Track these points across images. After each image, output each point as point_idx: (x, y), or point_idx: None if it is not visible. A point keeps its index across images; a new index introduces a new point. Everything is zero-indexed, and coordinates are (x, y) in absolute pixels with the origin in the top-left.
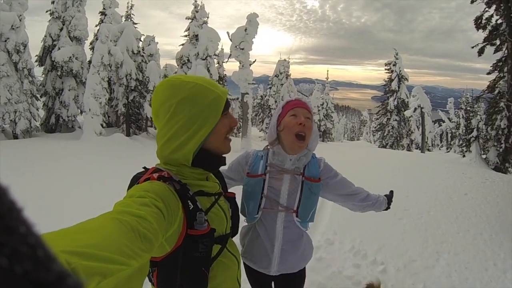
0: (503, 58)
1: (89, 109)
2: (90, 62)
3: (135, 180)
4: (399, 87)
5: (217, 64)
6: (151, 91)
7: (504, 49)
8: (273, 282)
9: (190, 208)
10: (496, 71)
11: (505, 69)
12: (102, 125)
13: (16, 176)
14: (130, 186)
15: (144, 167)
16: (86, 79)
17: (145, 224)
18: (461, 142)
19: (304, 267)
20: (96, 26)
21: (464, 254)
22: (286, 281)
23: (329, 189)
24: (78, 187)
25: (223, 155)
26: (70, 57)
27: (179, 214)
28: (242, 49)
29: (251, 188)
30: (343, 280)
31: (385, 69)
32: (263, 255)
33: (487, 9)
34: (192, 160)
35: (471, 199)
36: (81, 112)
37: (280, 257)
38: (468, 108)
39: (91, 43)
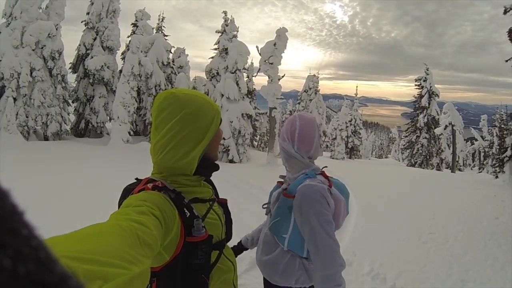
0: None
1: (118, 117)
2: (121, 71)
3: (127, 192)
4: (429, 104)
5: (246, 78)
6: None
7: None
8: None
9: (187, 216)
10: None
11: None
12: (129, 133)
13: (40, 175)
14: (121, 198)
15: (136, 178)
16: (116, 88)
17: (145, 230)
18: (494, 162)
19: None
20: (128, 37)
21: (491, 284)
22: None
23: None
24: (98, 191)
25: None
26: (102, 65)
27: (176, 222)
28: (271, 63)
29: (272, 191)
30: None
31: (415, 85)
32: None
33: None
34: (197, 169)
35: (502, 224)
36: (110, 119)
37: (259, 253)
38: (502, 126)
39: (122, 53)
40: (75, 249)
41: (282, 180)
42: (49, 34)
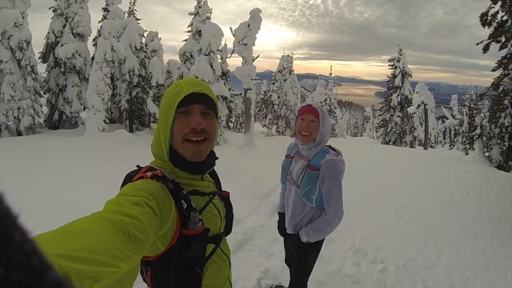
0: (508, 55)
1: (92, 105)
2: (93, 58)
3: (128, 179)
4: (402, 83)
5: (220, 60)
6: (154, 87)
7: (509, 46)
8: None
9: (184, 208)
10: (501, 68)
11: (510, 67)
12: (105, 121)
13: (18, 173)
14: (122, 185)
15: (138, 166)
16: (89, 76)
17: (137, 224)
18: (464, 139)
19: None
20: (99, 22)
21: (465, 254)
22: (293, 241)
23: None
24: (79, 184)
25: (196, 161)
26: (73, 53)
27: (172, 213)
28: (245, 44)
29: (284, 165)
30: (343, 278)
31: (389, 65)
32: (286, 213)
33: (492, 5)
34: (171, 159)
35: (473, 198)
36: (84, 109)
37: (290, 217)
38: (472, 105)
39: (94, 40)
40: (66, 246)
41: (289, 154)
42: (15, 23)
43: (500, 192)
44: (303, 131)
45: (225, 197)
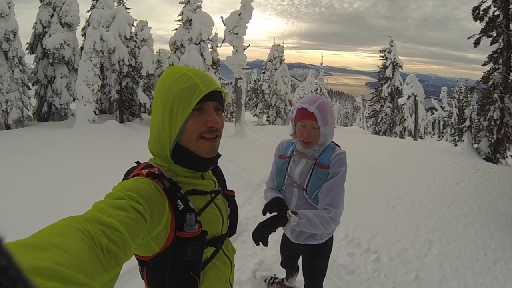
0: (499, 50)
1: (82, 97)
2: (82, 48)
3: (126, 175)
4: (393, 75)
5: (211, 49)
6: (144, 77)
7: (500, 41)
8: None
9: (180, 209)
10: (491, 63)
11: (500, 61)
12: (95, 112)
13: (7, 167)
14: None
15: (137, 162)
16: (78, 66)
17: (113, 235)
18: (453, 131)
19: (323, 246)
20: (88, 11)
21: (456, 244)
22: (306, 251)
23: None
24: (70, 177)
25: (207, 157)
26: (62, 44)
27: (165, 214)
28: (236, 33)
29: (280, 166)
30: (337, 268)
31: (380, 56)
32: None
33: (484, 0)
34: (173, 156)
35: (463, 189)
36: (74, 100)
37: (298, 232)
38: (461, 98)
39: (82, 29)
40: (40, 259)
41: (282, 154)
42: (1, 13)
43: (489, 184)
44: (304, 139)
45: (229, 196)
